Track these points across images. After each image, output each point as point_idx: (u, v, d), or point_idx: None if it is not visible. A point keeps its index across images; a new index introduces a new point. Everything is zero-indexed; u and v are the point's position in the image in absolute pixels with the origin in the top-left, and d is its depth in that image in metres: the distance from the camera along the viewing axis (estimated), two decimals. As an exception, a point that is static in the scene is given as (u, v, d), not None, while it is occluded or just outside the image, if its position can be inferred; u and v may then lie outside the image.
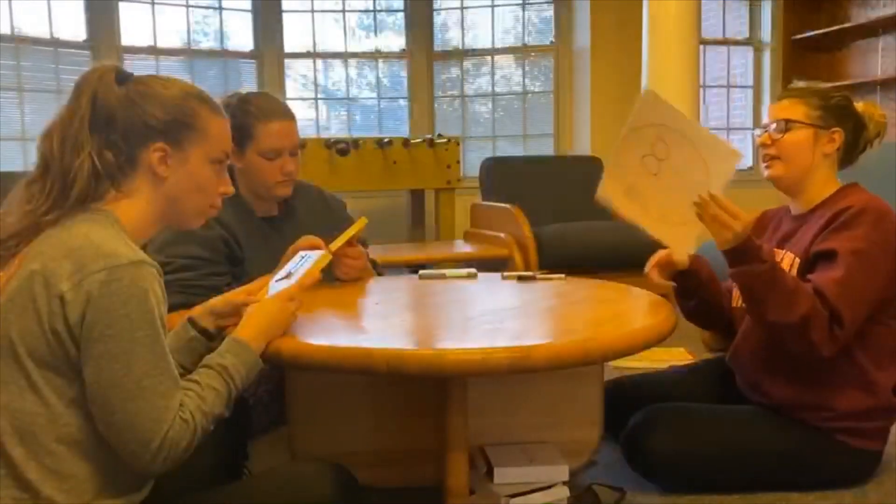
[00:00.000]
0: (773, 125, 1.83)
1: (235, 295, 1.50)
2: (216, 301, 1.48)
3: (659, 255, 1.86)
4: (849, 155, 1.87)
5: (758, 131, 1.88)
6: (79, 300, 1.07)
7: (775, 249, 1.89)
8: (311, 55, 5.61)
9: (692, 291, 1.93)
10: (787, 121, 1.81)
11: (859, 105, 1.87)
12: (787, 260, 1.82)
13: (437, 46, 5.77)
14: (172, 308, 1.83)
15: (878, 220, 1.73)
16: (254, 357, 1.31)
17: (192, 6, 5.33)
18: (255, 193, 2.08)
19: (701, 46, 4.70)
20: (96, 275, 1.08)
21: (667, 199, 1.71)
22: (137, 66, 4.99)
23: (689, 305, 2.00)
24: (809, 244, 1.77)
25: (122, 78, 1.24)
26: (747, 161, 5.49)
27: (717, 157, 1.63)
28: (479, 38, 5.83)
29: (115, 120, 1.20)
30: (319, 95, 5.69)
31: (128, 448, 1.11)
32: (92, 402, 1.11)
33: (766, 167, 1.86)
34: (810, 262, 1.76)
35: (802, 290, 1.67)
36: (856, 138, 1.86)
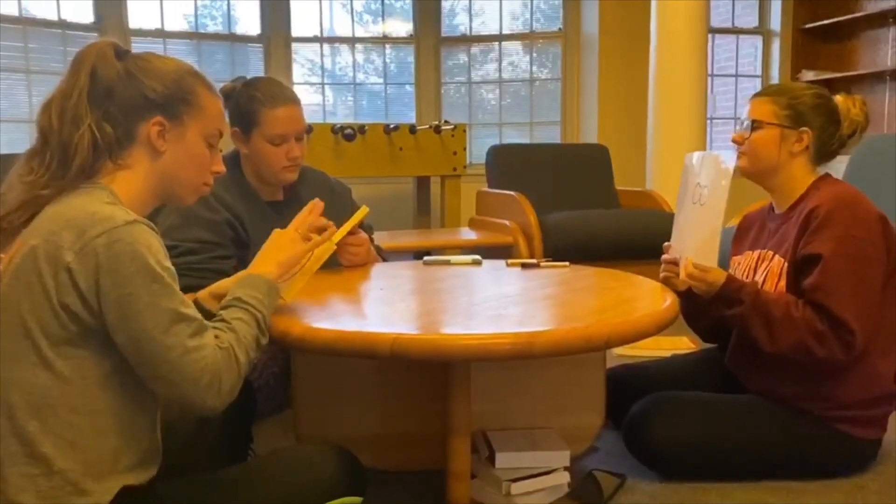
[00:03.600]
0: (745, 123, 1.88)
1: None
2: (221, 284, 1.49)
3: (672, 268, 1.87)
4: (823, 152, 1.87)
5: (736, 126, 1.92)
6: (87, 269, 1.09)
7: (762, 252, 1.90)
8: (319, 40, 5.60)
9: (703, 310, 1.92)
10: (755, 120, 1.86)
11: (838, 99, 1.87)
12: (777, 264, 1.83)
13: (445, 32, 5.75)
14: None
15: (852, 211, 1.74)
16: (262, 279, 1.34)
17: (200, -11, 5.32)
18: (261, 178, 2.08)
19: (710, 35, 4.68)
20: (97, 239, 1.09)
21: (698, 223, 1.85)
22: (145, 49, 4.99)
23: (701, 326, 2.04)
24: (794, 246, 1.78)
25: (121, 53, 1.25)
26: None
27: (706, 246, 1.78)
28: (487, 24, 5.81)
29: (114, 93, 1.21)
30: (326, 80, 5.68)
31: (184, 393, 1.14)
32: (135, 365, 1.13)
33: (737, 159, 1.90)
34: (798, 266, 1.77)
35: (790, 318, 1.70)
36: (829, 136, 1.86)
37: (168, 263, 1.16)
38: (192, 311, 1.17)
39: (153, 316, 1.11)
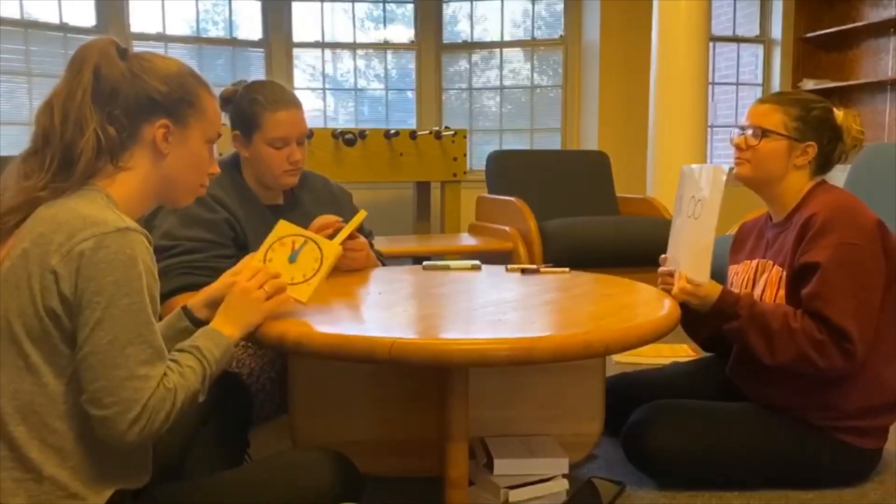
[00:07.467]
0: (750, 130, 1.84)
1: (225, 285, 1.45)
2: (212, 292, 1.45)
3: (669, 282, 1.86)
4: (823, 165, 1.86)
5: (736, 131, 1.89)
6: (70, 270, 1.07)
7: (761, 261, 1.89)
8: (320, 45, 5.61)
9: (701, 321, 1.90)
10: (764, 129, 1.82)
11: (839, 115, 1.84)
12: (776, 274, 1.81)
13: (446, 39, 5.76)
14: (179, 289, 1.83)
15: (849, 218, 1.72)
16: (225, 339, 1.29)
17: (202, -6, 5.33)
18: (261, 182, 2.07)
19: (711, 43, 4.68)
20: (84, 242, 1.07)
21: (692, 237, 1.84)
22: (146, 53, 5.00)
23: (700, 337, 2.03)
24: (792, 256, 1.77)
25: (122, 52, 1.23)
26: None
27: (698, 261, 1.77)
28: (489, 31, 5.82)
29: (118, 94, 1.19)
30: (327, 86, 5.69)
31: (106, 415, 1.08)
32: (78, 368, 1.09)
33: (737, 164, 1.87)
34: (797, 275, 1.75)
35: (788, 330, 1.68)
36: (831, 150, 1.84)
37: (153, 281, 1.13)
38: (155, 338, 1.13)
39: (112, 331, 1.07)
